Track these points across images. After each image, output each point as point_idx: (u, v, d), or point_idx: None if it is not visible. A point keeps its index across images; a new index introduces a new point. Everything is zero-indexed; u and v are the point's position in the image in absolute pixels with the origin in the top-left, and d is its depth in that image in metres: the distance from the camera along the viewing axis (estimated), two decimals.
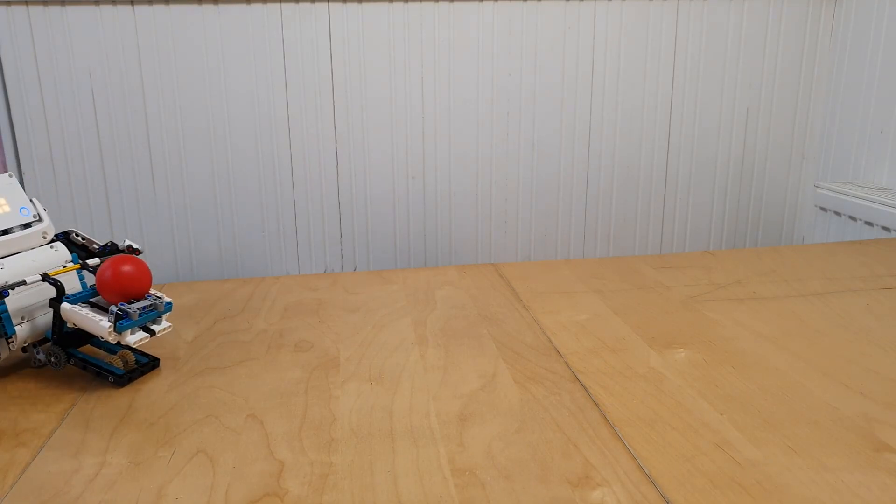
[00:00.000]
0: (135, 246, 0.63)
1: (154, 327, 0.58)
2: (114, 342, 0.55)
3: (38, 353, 0.60)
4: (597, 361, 0.60)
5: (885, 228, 1.29)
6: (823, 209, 1.48)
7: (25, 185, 1.44)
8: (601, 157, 1.58)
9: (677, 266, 0.87)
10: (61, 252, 0.62)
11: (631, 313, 0.72)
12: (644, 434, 0.49)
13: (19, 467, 0.46)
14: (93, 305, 0.57)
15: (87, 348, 0.63)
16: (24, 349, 0.60)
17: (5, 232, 0.59)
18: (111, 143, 1.44)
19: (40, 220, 0.62)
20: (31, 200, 0.63)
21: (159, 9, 1.39)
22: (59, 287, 0.57)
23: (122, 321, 0.55)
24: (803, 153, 1.64)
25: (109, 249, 0.63)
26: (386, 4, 1.43)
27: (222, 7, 1.40)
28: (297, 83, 1.45)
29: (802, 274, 0.83)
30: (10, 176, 0.63)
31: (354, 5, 1.43)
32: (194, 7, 1.39)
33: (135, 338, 0.56)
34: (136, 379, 0.59)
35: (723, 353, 0.62)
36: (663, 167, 1.60)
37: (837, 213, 1.43)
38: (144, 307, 0.57)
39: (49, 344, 0.60)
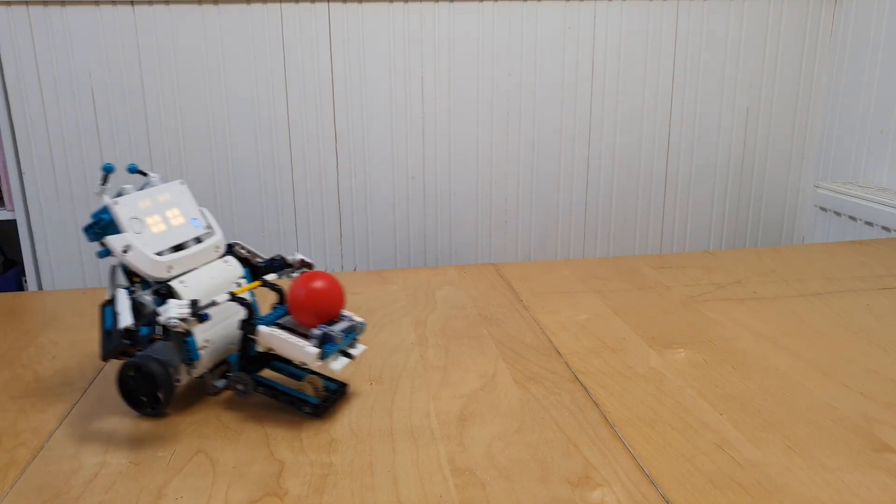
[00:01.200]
0: (308, 260, 0.57)
1: (351, 351, 0.52)
2: (317, 369, 0.50)
3: (214, 378, 0.54)
4: (597, 361, 0.60)
5: (885, 228, 1.29)
6: (823, 209, 1.48)
7: (25, 185, 1.44)
8: (601, 157, 1.58)
9: (677, 266, 0.87)
10: (234, 267, 0.56)
11: (631, 313, 0.72)
12: (644, 434, 0.49)
13: (19, 467, 0.46)
14: (281, 327, 0.51)
15: (265, 373, 0.57)
16: (200, 375, 0.54)
17: (180, 247, 0.53)
18: (111, 143, 1.44)
19: (212, 231, 0.56)
20: (200, 210, 0.57)
21: (159, 9, 1.38)
22: (251, 308, 0.51)
23: (326, 345, 0.49)
24: (803, 153, 1.64)
25: (279, 264, 0.57)
26: (386, 4, 1.43)
27: (222, 7, 1.40)
28: (297, 83, 1.45)
29: (802, 274, 0.83)
30: (182, 183, 0.56)
31: (354, 5, 1.43)
32: (194, 7, 1.39)
33: (339, 364, 0.50)
34: (330, 408, 0.53)
35: (723, 353, 0.62)
36: (663, 167, 1.60)
37: (837, 213, 1.43)
38: (345, 329, 0.51)
39: (225, 368, 0.54)
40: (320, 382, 0.54)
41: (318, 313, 0.50)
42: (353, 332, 0.52)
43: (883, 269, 0.85)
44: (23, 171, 1.43)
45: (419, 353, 0.63)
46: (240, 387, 0.52)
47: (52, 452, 0.48)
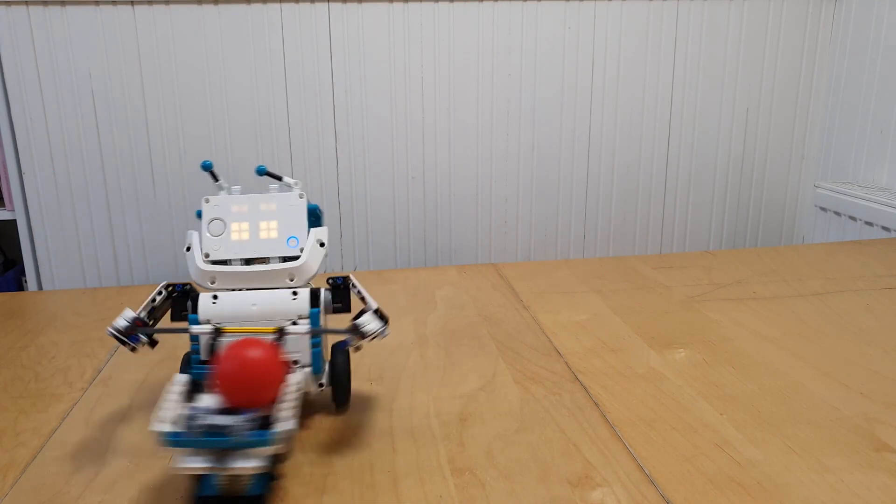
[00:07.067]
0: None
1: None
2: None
3: None
4: (597, 361, 0.60)
5: (885, 228, 1.29)
6: (823, 209, 1.48)
7: (25, 184, 1.44)
8: (601, 157, 1.58)
9: (677, 266, 0.87)
10: (300, 303, 0.47)
11: (631, 313, 0.72)
12: (644, 434, 0.48)
13: (19, 467, 0.46)
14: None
15: None
16: None
17: (250, 262, 0.48)
18: (111, 144, 1.44)
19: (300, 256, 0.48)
20: (312, 231, 0.49)
21: (159, 9, 1.38)
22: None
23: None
24: (803, 153, 1.64)
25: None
26: (386, 4, 1.43)
27: (222, 7, 1.40)
28: (297, 83, 1.45)
29: (802, 274, 0.83)
30: (301, 196, 0.50)
31: (354, 5, 1.43)
32: (194, 7, 1.39)
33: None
34: None
35: (723, 353, 0.62)
36: (663, 167, 1.60)
37: (837, 213, 1.43)
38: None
39: None
40: None
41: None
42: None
43: (883, 269, 0.85)
44: (23, 171, 1.43)
45: (419, 353, 0.63)
46: None
47: (52, 452, 0.48)
